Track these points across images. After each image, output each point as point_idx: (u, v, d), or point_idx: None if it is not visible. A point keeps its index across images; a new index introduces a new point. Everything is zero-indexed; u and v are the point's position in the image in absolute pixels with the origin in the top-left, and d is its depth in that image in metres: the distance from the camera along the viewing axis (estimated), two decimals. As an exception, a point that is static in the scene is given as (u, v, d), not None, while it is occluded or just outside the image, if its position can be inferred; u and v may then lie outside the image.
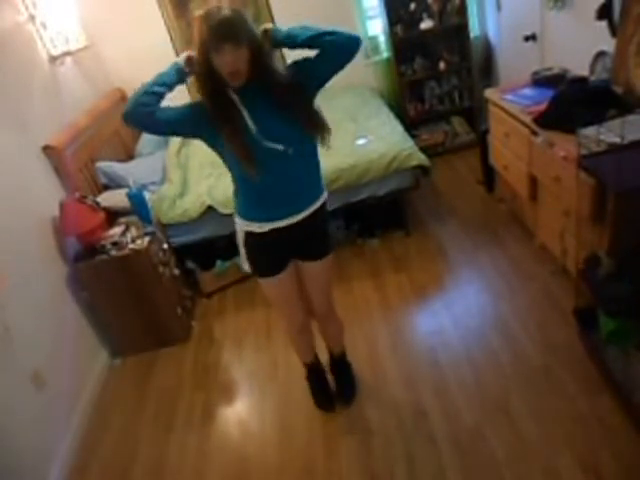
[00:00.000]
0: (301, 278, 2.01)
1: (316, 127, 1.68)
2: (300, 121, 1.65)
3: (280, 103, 1.63)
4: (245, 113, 1.62)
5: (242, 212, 1.83)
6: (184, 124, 1.67)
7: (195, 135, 1.72)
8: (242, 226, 1.84)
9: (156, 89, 1.61)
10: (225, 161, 1.73)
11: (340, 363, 2.37)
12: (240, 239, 1.89)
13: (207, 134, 1.67)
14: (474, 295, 2.75)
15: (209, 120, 1.62)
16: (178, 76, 1.64)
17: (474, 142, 4.05)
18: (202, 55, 1.55)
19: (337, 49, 1.59)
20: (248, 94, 1.62)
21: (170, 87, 1.64)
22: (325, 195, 1.87)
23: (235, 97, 1.62)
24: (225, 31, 1.48)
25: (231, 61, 1.51)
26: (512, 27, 3.68)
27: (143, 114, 1.60)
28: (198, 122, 1.64)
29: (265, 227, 1.78)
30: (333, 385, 2.37)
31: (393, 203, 3.36)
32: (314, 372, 2.35)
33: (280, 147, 1.63)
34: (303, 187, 1.77)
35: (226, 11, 1.51)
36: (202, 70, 1.59)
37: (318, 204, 1.82)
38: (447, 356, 2.39)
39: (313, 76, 1.65)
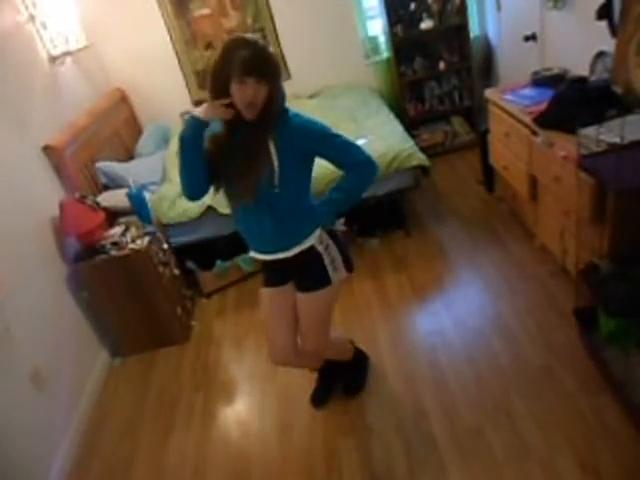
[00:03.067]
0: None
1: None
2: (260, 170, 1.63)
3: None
4: (235, 146, 1.62)
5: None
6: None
7: None
8: None
9: (187, 162, 1.64)
10: None
11: (347, 366, 2.31)
12: None
13: None
14: (474, 295, 2.75)
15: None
16: (195, 132, 1.60)
17: (474, 142, 4.05)
18: (219, 80, 1.53)
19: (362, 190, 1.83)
20: (241, 130, 1.61)
21: (195, 150, 1.62)
22: (311, 241, 1.78)
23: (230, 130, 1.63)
24: (254, 64, 1.48)
25: (252, 94, 1.50)
26: (512, 27, 3.68)
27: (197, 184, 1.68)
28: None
29: (252, 253, 1.87)
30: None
31: (393, 203, 3.36)
32: (324, 371, 2.31)
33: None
34: (274, 232, 1.73)
35: (256, 42, 1.51)
36: (216, 93, 1.56)
37: (298, 249, 1.77)
38: (447, 356, 2.39)
39: (320, 157, 1.70)
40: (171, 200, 3.12)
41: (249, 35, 1.57)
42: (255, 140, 1.60)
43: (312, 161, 1.72)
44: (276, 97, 1.57)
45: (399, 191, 3.22)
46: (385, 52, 4.31)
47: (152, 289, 2.79)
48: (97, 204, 2.83)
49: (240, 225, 1.81)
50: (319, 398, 2.32)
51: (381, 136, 3.30)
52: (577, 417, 1.95)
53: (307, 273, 1.85)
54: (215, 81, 1.55)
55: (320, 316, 1.95)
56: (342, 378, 2.35)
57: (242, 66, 1.47)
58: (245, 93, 1.50)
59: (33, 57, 3.02)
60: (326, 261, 1.81)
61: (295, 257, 1.78)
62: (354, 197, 1.81)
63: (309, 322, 1.95)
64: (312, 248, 1.79)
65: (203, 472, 2.19)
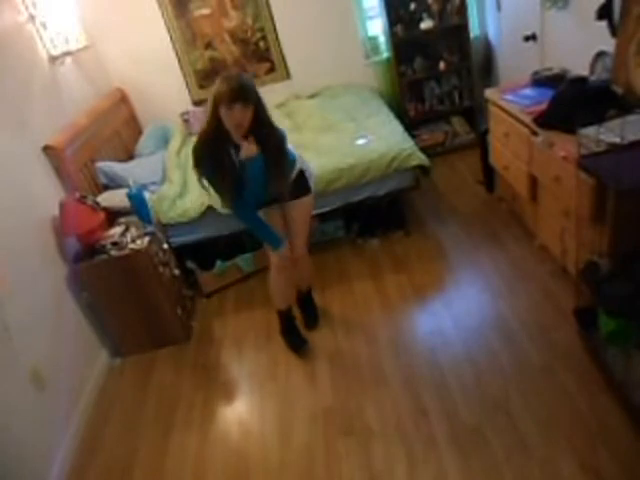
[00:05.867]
0: (286, 220, 2.47)
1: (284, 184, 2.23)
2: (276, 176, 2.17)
3: (268, 159, 2.10)
4: (237, 162, 2.11)
5: None
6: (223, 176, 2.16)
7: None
8: None
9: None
10: None
11: (307, 297, 2.84)
12: None
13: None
14: (474, 295, 2.75)
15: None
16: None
17: (474, 142, 4.05)
18: (213, 108, 1.99)
19: None
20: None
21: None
22: (297, 168, 2.33)
23: (232, 150, 2.10)
24: (239, 92, 1.94)
25: (239, 117, 1.97)
26: (512, 27, 3.68)
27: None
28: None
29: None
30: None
31: (393, 203, 3.36)
32: (287, 319, 2.70)
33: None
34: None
35: (242, 76, 2.01)
36: (210, 121, 2.03)
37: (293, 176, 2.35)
38: (447, 356, 2.39)
39: None
40: (171, 200, 3.12)
41: (234, 73, 2.14)
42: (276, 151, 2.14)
43: None
44: (261, 115, 2.03)
45: (399, 191, 3.22)
46: (385, 52, 4.31)
47: (152, 289, 2.79)
48: (97, 204, 2.83)
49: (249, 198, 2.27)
50: (299, 343, 2.66)
51: (381, 136, 3.30)
52: (577, 417, 1.95)
53: (296, 186, 2.35)
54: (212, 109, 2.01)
55: (307, 218, 2.51)
56: (304, 313, 2.83)
57: (230, 95, 1.93)
58: (233, 116, 1.97)
59: (33, 57, 3.02)
60: (307, 174, 2.41)
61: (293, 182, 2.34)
62: None
63: (300, 224, 2.48)
64: (300, 172, 2.36)
65: (203, 472, 2.19)
